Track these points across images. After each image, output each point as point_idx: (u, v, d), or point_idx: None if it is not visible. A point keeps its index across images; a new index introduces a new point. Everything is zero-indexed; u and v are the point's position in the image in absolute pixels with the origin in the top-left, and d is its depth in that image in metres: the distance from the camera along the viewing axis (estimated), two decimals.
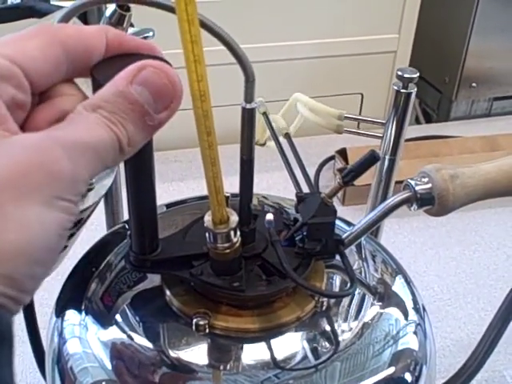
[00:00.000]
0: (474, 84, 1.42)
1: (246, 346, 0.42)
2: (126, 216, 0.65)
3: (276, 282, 0.42)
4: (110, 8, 0.43)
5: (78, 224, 0.48)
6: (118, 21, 0.42)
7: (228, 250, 0.39)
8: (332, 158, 1.14)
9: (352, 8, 1.22)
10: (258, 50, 1.14)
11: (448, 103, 1.43)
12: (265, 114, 0.50)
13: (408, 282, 0.52)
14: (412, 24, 1.27)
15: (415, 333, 0.48)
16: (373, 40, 1.25)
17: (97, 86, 0.28)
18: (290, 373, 0.41)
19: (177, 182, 1.14)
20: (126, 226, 0.53)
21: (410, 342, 0.47)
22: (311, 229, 0.41)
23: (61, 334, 0.46)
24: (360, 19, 1.23)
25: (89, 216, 0.48)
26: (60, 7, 0.50)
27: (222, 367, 0.41)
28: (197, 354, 0.41)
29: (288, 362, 0.42)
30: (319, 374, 0.42)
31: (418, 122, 1.48)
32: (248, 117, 0.39)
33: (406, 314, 0.49)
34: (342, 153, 1.11)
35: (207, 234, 0.39)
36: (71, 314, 0.46)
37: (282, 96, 0.66)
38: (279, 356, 0.42)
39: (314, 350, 0.43)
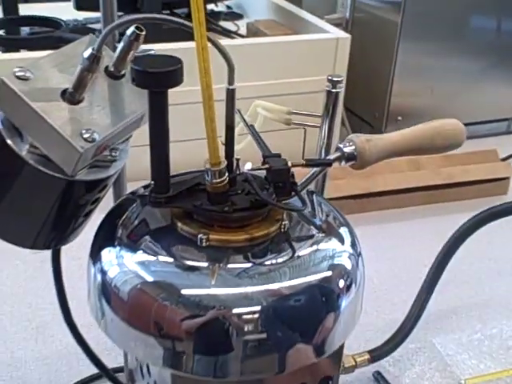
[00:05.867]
0: (399, 118, 1.62)
1: (233, 252, 0.57)
2: (128, 189, 0.80)
3: (253, 209, 0.57)
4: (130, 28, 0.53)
5: (105, 188, 0.61)
6: (135, 38, 0.53)
7: (220, 184, 0.56)
8: None
9: (295, 56, 1.45)
10: None
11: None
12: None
13: (351, 231, 0.64)
14: (343, 68, 1.47)
15: (349, 258, 0.60)
16: (311, 81, 1.44)
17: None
18: (259, 267, 0.56)
19: None
20: (131, 196, 0.67)
21: (344, 261, 0.59)
22: (274, 174, 0.57)
23: (102, 270, 0.57)
24: (303, 64, 1.45)
25: (112, 182, 0.62)
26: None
27: (217, 266, 0.56)
28: (201, 258, 0.56)
29: (259, 261, 0.56)
30: (278, 271, 0.55)
31: None
32: (230, 95, 0.57)
33: (345, 246, 0.61)
34: None
35: (205, 174, 0.56)
36: (107, 252, 0.59)
37: None
38: (253, 257, 0.57)
39: (276, 256, 0.57)
